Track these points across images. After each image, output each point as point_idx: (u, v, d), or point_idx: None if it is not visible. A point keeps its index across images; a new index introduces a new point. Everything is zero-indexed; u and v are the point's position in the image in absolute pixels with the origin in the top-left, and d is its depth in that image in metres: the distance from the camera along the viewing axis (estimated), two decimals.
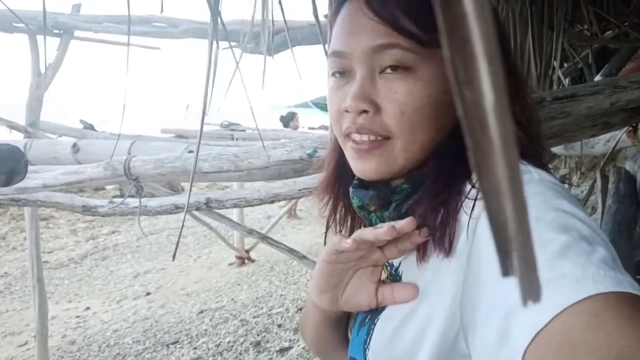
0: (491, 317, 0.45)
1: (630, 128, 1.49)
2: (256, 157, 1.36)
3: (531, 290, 0.12)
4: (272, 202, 1.61)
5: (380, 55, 0.58)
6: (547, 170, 0.59)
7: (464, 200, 0.56)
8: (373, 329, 0.62)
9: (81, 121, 3.53)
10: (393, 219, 0.62)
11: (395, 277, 0.65)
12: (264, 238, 2.96)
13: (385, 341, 0.60)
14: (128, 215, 1.73)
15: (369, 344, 0.62)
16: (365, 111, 0.59)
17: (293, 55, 1.43)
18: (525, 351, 0.39)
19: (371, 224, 0.66)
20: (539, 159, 0.62)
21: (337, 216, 0.75)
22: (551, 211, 0.47)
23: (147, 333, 3.75)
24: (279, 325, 3.66)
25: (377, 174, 0.61)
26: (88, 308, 4.36)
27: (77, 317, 4.18)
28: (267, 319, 3.80)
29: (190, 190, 1.09)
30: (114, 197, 6.45)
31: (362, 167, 0.62)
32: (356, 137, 0.61)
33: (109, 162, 1.52)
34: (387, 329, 0.60)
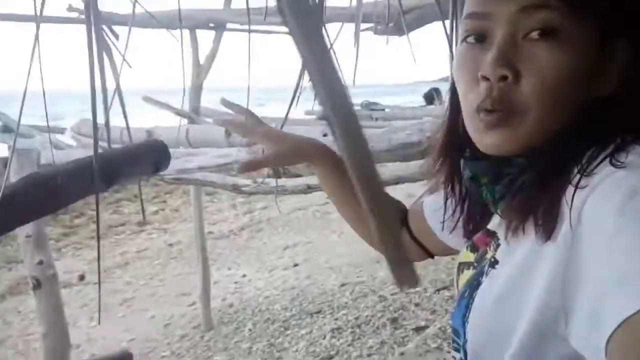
0: (585, 302, 0.46)
1: None
2: (378, 141, 1.42)
3: None
4: (397, 183, 1.65)
5: (527, 16, 0.55)
6: None
7: (575, 187, 0.53)
8: (472, 304, 0.63)
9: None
10: (504, 195, 0.61)
11: (493, 261, 0.66)
12: None
13: (484, 317, 0.61)
14: (269, 194, 1.92)
15: (467, 317, 0.63)
16: (504, 77, 0.55)
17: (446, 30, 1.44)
18: (610, 336, 0.40)
19: (481, 198, 0.65)
20: None
21: (456, 190, 0.73)
22: None
23: (294, 301, 4.06)
24: (416, 304, 3.70)
25: (500, 149, 0.59)
26: (244, 275, 4.84)
27: (235, 282, 4.68)
28: (405, 297, 3.86)
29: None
30: (268, 176, 7.00)
31: (487, 140, 0.59)
32: (488, 106, 0.57)
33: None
34: (485, 305, 0.61)
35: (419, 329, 3.33)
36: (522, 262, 0.58)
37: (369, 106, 4.28)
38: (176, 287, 4.72)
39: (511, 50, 0.56)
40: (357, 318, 3.60)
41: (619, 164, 0.51)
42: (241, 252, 5.63)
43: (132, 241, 6.26)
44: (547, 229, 0.55)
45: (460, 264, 0.77)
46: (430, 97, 6.90)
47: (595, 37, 0.56)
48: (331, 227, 6.14)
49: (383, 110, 4.19)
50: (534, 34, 0.55)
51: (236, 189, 1.93)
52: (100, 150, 0.66)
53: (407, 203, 0.89)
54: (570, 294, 0.50)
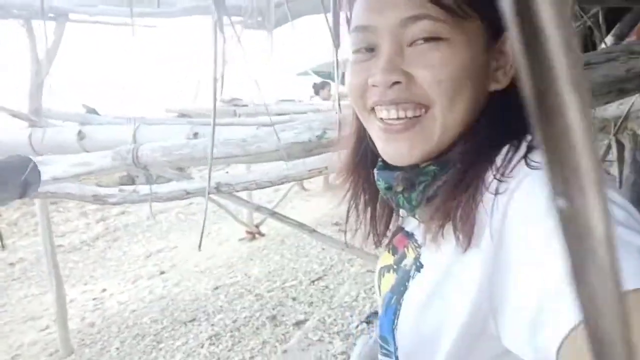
0: (524, 301, 0.45)
1: None
2: (265, 141, 1.35)
3: None
4: (282, 183, 1.60)
5: (409, 28, 0.56)
6: None
7: (496, 194, 0.54)
8: (399, 310, 0.62)
9: (84, 106, 3.50)
10: (420, 201, 0.62)
11: (418, 265, 0.64)
12: (273, 214, 2.97)
13: (412, 322, 0.60)
14: (139, 203, 1.73)
15: (396, 324, 0.63)
16: (397, 82, 0.57)
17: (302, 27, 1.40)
18: (565, 337, 0.38)
19: (398, 206, 0.66)
20: None
21: (360, 201, 0.75)
22: None
23: (164, 312, 3.81)
24: (294, 299, 3.70)
25: (408, 156, 0.59)
26: (104, 290, 4.42)
27: (94, 299, 4.25)
28: (281, 292, 3.84)
29: (209, 179, 1.08)
30: (121, 178, 6.47)
31: (392, 149, 0.60)
32: (385, 114, 0.59)
33: (117, 151, 1.51)
34: (413, 310, 0.60)
35: (299, 323, 3.34)
36: (446, 266, 0.58)
37: (232, 102, 4.14)
38: (23, 312, 4.15)
39: (398, 57, 0.57)
40: (234, 321, 3.49)
41: (534, 164, 0.51)
42: (98, 264, 5.15)
43: None
44: (466, 235, 0.54)
45: (381, 268, 0.75)
46: (319, 88, 6.97)
47: (485, 36, 0.58)
48: (197, 228, 5.90)
49: (246, 106, 4.09)
50: (420, 41, 0.56)
51: (99, 199, 1.71)
52: None
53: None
54: (500, 296, 0.50)
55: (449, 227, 0.57)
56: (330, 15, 1.50)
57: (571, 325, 0.38)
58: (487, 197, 0.54)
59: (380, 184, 0.65)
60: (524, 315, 0.45)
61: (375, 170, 0.66)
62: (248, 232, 5.27)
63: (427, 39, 0.56)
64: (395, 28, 0.57)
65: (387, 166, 0.65)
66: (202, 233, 1.05)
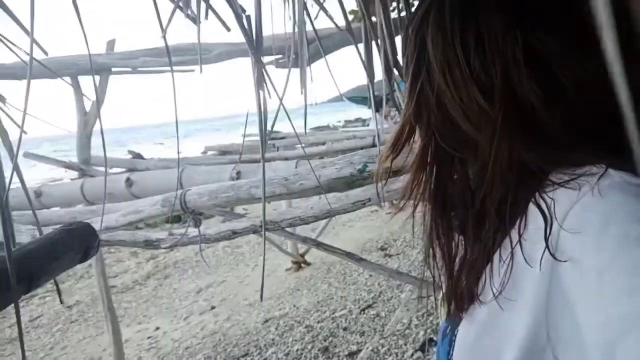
0: (587, 342, 0.43)
1: None
2: (306, 178, 1.37)
3: None
4: (327, 217, 1.61)
5: None
6: (629, 165, 0.51)
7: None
8: (454, 340, 0.61)
9: (129, 152, 3.64)
10: None
11: None
12: (318, 245, 2.97)
13: (467, 352, 0.59)
14: (189, 245, 1.78)
15: (451, 355, 0.61)
16: None
17: (327, 63, 1.43)
18: None
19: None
20: (620, 150, 0.57)
21: None
22: (636, 224, 0.43)
23: (217, 348, 3.83)
24: (345, 329, 3.67)
25: None
26: (158, 328, 4.50)
27: (149, 337, 4.33)
28: (332, 322, 3.82)
29: (264, 220, 1.10)
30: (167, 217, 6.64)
31: None
32: None
33: (166, 197, 1.56)
34: (468, 340, 0.59)
35: (352, 354, 3.30)
36: (505, 291, 0.56)
37: (269, 135, 4.23)
38: (82, 354, 4.26)
39: None
40: (287, 354, 3.48)
41: (583, 188, 0.49)
42: (150, 302, 5.25)
43: (23, 309, 5.59)
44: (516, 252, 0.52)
45: (443, 294, 0.74)
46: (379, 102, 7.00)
47: None
48: (244, 261, 5.97)
49: (284, 138, 4.16)
50: None
51: (150, 245, 1.77)
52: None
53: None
54: (559, 330, 0.48)
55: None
56: (362, 46, 1.52)
57: None
58: (535, 226, 0.52)
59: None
60: (591, 352, 0.43)
61: None
62: (294, 262, 5.29)
63: None
64: None
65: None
66: (262, 276, 1.06)
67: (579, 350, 0.45)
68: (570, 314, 0.46)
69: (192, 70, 3.30)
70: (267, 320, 4.14)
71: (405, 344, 3.21)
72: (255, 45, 0.81)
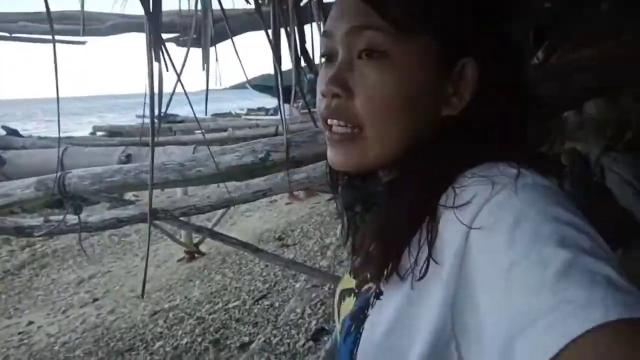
0: (488, 337, 0.43)
1: None
2: (204, 165, 1.28)
3: None
4: (225, 207, 1.53)
5: (357, 37, 0.56)
6: (540, 166, 0.54)
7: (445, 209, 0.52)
8: (359, 339, 0.59)
9: (3, 127, 3.24)
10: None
11: (377, 292, 0.61)
12: (214, 234, 2.87)
13: (372, 352, 0.57)
14: (67, 233, 1.60)
15: (356, 353, 0.59)
16: (337, 95, 0.57)
17: (234, 45, 1.35)
18: None
19: (355, 226, 0.66)
20: (532, 152, 0.60)
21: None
22: (547, 222, 0.44)
23: (99, 342, 3.59)
24: (237, 320, 3.60)
25: (345, 165, 0.60)
26: (31, 322, 4.12)
27: (20, 333, 3.95)
28: (224, 314, 3.72)
29: (150, 208, 1.01)
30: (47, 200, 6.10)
31: (331, 156, 0.61)
32: (329, 122, 0.59)
33: (41, 180, 1.39)
34: (374, 340, 0.57)
35: (243, 346, 3.24)
36: (405, 293, 0.55)
37: (167, 118, 3.99)
38: None
39: (347, 69, 0.57)
40: (175, 348, 3.34)
41: (496, 186, 0.50)
42: (24, 294, 4.80)
43: None
44: (419, 255, 0.52)
45: (342, 291, 0.73)
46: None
47: (436, 56, 0.56)
48: (132, 251, 5.65)
49: (182, 122, 3.96)
50: (364, 55, 0.56)
51: (21, 232, 1.57)
52: None
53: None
54: (463, 325, 0.48)
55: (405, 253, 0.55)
56: (270, 32, 1.46)
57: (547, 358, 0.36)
58: (448, 219, 0.52)
59: (342, 202, 0.66)
60: (490, 350, 0.43)
61: (340, 188, 0.66)
62: (187, 253, 5.10)
63: (370, 53, 0.55)
64: (346, 37, 0.57)
65: (350, 184, 0.65)
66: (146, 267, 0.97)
67: (480, 344, 0.45)
68: (475, 307, 0.46)
69: (83, 43, 3.02)
70: (155, 313, 3.95)
71: (298, 334, 3.21)
72: (153, 16, 0.72)
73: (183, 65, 0.95)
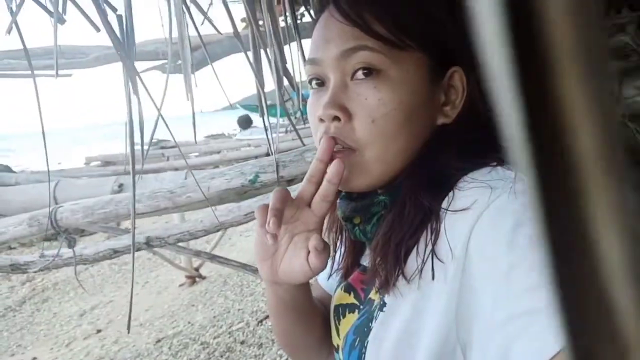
0: (489, 339, 0.44)
1: None
2: (194, 191, 1.29)
3: None
4: (218, 230, 1.54)
5: (350, 59, 0.57)
6: None
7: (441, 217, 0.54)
8: (364, 353, 0.59)
9: None
10: (375, 234, 0.61)
11: (382, 304, 0.61)
12: (213, 257, 2.87)
13: None
14: (63, 267, 1.60)
15: None
16: (337, 118, 0.58)
17: (214, 70, 1.37)
18: None
19: (356, 238, 0.66)
20: None
21: (333, 227, 0.75)
22: None
23: None
24: (242, 342, 3.57)
25: (353, 185, 0.61)
26: (35, 358, 4.07)
27: None
28: (229, 337, 3.70)
29: (133, 238, 1.01)
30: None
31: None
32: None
33: (33, 215, 1.39)
34: (381, 350, 0.57)
35: None
36: (410, 302, 0.56)
37: (158, 144, 4.01)
38: None
39: (342, 92, 0.58)
40: None
41: (496, 191, 0.51)
42: (26, 330, 4.75)
43: None
44: (420, 264, 0.54)
45: (337, 306, 0.73)
46: (247, 121, 6.93)
47: (428, 68, 0.58)
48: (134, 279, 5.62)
49: (175, 147, 3.97)
50: (359, 74, 0.57)
51: (17, 269, 1.56)
52: None
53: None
54: (467, 329, 0.49)
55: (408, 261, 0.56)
56: (250, 54, 1.48)
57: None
58: (450, 223, 0.53)
59: (339, 213, 0.65)
60: (491, 349, 0.44)
61: (338, 200, 0.66)
62: (188, 277, 5.07)
63: (366, 73, 0.56)
64: (337, 61, 0.58)
65: (348, 195, 0.65)
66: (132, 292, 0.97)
67: (482, 347, 0.46)
68: (477, 311, 0.47)
69: (69, 75, 3.05)
70: (159, 340, 3.92)
71: None
72: (127, 47, 0.73)
73: (165, 92, 0.96)
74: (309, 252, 0.62)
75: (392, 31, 0.55)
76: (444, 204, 0.55)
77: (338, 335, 0.71)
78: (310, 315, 0.76)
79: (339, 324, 0.71)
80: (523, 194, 0.48)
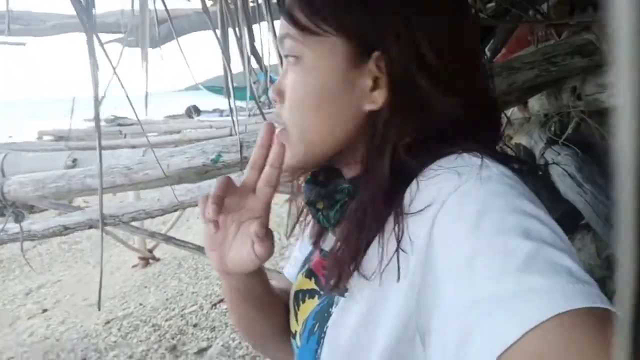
0: (449, 324, 0.44)
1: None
2: (152, 168, 1.25)
3: None
4: (176, 210, 1.50)
5: (282, 47, 0.60)
6: (504, 159, 0.55)
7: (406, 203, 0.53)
8: (324, 338, 0.59)
9: None
10: (338, 220, 0.62)
11: (342, 291, 0.61)
12: (168, 239, 2.82)
13: (338, 350, 0.57)
14: (8, 243, 1.53)
15: (320, 353, 0.59)
16: (276, 101, 0.63)
17: (179, 46, 1.33)
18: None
19: (319, 223, 0.67)
20: (495, 143, 0.61)
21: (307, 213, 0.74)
22: (512, 214, 0.45)
23: (49, 355, 3.44)
24: (195, 325, 3.53)
25: (284, 165, 0.62)
26: None
27: None
28: (181, 320, 3.65)
29: (101, 214, 0.98)
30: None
31: None
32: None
33: None
34: (340, 338, 0.57)
35: (201, 351, 3.18)
36: (372, 289, 0.55)
37: (115, 121, 3.87)
38: None
39: (284, 77, 0.62)
40: (130, 356, 3.24)
41: (462, 177, 0.50)
42: None
43: None
44: (379, 256, 0.53)
45: (297, 292, 0.72)
46: (195, 111, 6.83)
47: (346, 54, 0.57)
48: (84, 258, 5.45)
49: (132, 125, 3.85)
50: (290, 60, 0.60)
51: None
52: None
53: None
54: (427, 316, 0.48)
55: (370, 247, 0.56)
56: (219, 31, 1.44)
57: (502, 347, 0.37)
58: (414, 212, 0.52)
59: (304, 198, 0.66)
60: (450, 337, 0.44)
61: (303, 183, 0.68)
62: (141, 258, 4.97)
63: (293, 59, 0.59)
64: (279, 44, 0.62)
65: (312, 180, 0.67)
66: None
67: (443, 332, 0.46)
68: (439, 296, 0.46)
69: (23, 44, 2.89)
70: (109, 322, 3.82)
71: None
72: (87, 13, 0.69)
73: (117, 63, 0.92)
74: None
75: (309, 18, 0.57)
76: (407, 193, 0.54)
77: (297, 320, 0.70)
78: (268, 304, 0.75)
79: (298, 310, 0.70)
80: (489, 180, 0.49)
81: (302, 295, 0.70)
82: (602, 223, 1.13)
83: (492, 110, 0.63)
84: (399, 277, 0.52)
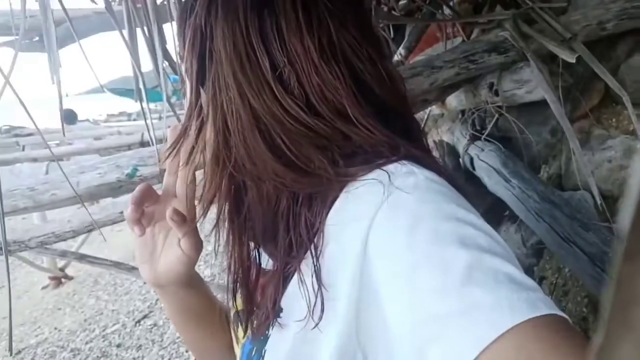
0: (397, 345, 0.41)
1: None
2: (59, 187, 1.13)
3: None
4: (90, 231, 1.37)
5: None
6: (430, 163, 0.52)
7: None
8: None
9: None
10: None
11: (278, 310, 0.56)
12: (81, 257, 2.63)
13: None
14: None
15: None
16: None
17: (82, 48, 1.23)
18: None
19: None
20: (421, 148, 0.58)
21: None
22: (446, 221, 0.43)
23: None
24: (118, 345, 3.33)
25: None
26: None
27: None
28: (103, 341, 3.42)
29: (5, 241, 0.85)
30: None
31: None
32: None
33: None
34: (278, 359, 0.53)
35: None
36: (307, 306, 0.51)
37: (11, 131, 3.53)
38: None
39: None
40: None
41: (389, 187, 0.48)
42: None
43: None
44: (312, 271, 0.49)
45: (236, 313, 0.67)
46: (71, 116, 6.41)
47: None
48: None
49: (31, 135, 3.52)
50: None
51: None
52: None
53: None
54: (370, 335, 0.46)
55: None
56: (126, 32, 1.33)
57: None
58: (343, 228, 0.49)
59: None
60: (401, 356, 0.41)
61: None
62: (52, 278, 4.60)
63: None
64: None
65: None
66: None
67: (388, 353, 0.43)
68: (380, 314, 0.44)
69: None
70: (19, 352, 3.51)
71: (187, 351, 3.06)
72: None
73: (10, 70, 0.81)
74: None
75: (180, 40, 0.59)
76: (332, 210, 0.51)
77: (237, 343, 0.66)
78: (210, 321, 0.72)
79: (237, 332, 0.66)
80: (417, 188, 0.46)
81: (238, 317, 0.65)
82: (533, 217, 1.16)
83: (406, 111, 0.60)
84: (322, 310, 0.48)
